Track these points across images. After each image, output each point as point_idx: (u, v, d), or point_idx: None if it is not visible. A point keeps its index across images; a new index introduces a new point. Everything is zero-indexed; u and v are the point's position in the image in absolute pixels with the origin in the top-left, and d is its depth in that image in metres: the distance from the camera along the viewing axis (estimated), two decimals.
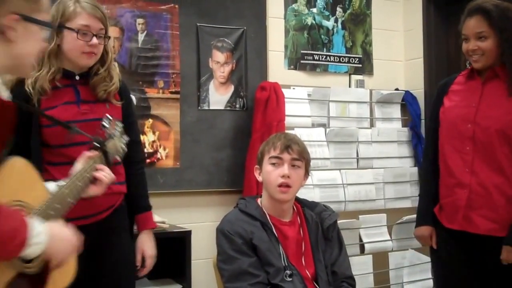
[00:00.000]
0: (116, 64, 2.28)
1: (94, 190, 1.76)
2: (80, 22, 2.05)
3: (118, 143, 1.98)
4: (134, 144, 2.22)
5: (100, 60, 2.15)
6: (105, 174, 1.78)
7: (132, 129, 2.23)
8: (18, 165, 1.49)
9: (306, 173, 2.27)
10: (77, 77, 2.13)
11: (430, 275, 3.70)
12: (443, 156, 2.48)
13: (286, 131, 3.15)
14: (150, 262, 2.30)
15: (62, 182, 1.65)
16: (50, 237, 1.37)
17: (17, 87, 1.96)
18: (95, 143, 1.84)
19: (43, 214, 1.46)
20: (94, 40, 2.07)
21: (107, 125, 1.95)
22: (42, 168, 1.99)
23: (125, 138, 2.05)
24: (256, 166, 2.29)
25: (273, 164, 2.20)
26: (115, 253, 2.17)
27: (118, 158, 2.03)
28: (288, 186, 2.17)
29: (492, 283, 2.40)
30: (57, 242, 1.41)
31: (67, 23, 2.05)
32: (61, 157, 2.04)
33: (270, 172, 2.19)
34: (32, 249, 1.33)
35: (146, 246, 2.30)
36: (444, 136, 2.49)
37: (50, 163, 2.06)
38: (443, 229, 2.50)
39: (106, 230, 2.14)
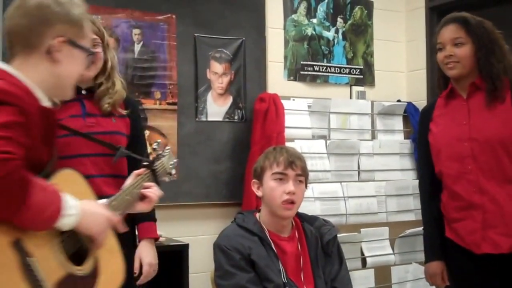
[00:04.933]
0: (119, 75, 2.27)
1: (142, 207, 1.82)
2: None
3: (166, 164, 2.02)
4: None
5: (103, 73, 2.16)
6: (154, 191, 1.83)
7: (138, 143, 2.26)
8: (71, 177, 1.58)
9: (306, 186, 2.25)
10: (84, 92, 2.13)
11: None
12: (446, 182, 2.37)
13: (286, 144, 3.10)
14: (146, 269, 2.25)
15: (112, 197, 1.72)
16: (83, 211, 1.47)
17: None
18: (144, 163, 1.89)
19: None
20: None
21: (156, 147, 2.04)
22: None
23: (173, 160, 2.09)
24: (254, 180, 2.25)
25: (277, 180, 2.16)
26: None
27: (167, 179, 2.06)
28: (292, 202, 2.15)
29: None
30: (90, 217, 1.50)
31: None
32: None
33: (274, 188, 2.15)
34: (66, 220, 1.41)
35: (145, 253, 2.25)
36: (441, 162, 2.37)
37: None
38: (463, 253, 2.34)
39: None
